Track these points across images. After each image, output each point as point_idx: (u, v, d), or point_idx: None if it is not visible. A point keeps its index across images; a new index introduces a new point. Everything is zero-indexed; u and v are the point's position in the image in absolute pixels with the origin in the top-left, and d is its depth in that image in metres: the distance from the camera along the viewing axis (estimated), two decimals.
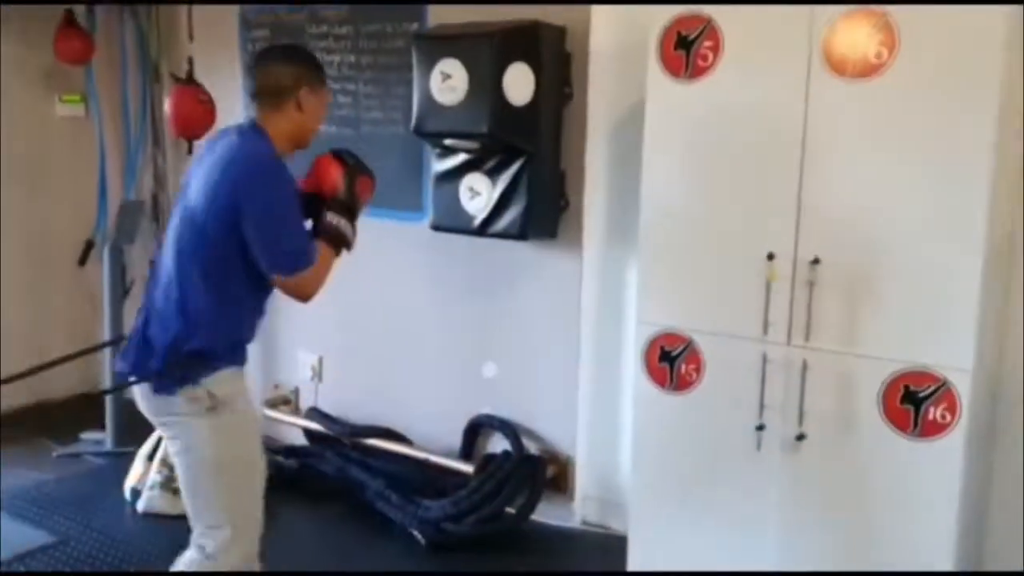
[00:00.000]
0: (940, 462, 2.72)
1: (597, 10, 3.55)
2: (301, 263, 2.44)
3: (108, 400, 4.64)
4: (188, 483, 2.62)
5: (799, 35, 2.77)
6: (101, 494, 4.14)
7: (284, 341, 4.66)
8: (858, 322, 2.81)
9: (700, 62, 2.96)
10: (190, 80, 4.25)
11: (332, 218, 2.53)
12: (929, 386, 2.72)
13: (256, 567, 2.67)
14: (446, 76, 3.35)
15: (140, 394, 2.57)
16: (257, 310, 2.61)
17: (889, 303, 2.75)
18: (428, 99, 3.37)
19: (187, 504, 2.67)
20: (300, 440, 4.54)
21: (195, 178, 2.52)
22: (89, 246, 4.98)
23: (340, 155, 2.64)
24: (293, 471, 4.25)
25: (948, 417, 2.71)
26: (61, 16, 4.68)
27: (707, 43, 2.94)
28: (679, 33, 2.98)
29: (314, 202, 2.58)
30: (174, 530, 3.79)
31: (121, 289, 4.72)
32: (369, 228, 4.28)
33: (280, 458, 4.29)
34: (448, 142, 3.47)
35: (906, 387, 2.75)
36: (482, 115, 3.29)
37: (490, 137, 3.36)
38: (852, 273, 2.80)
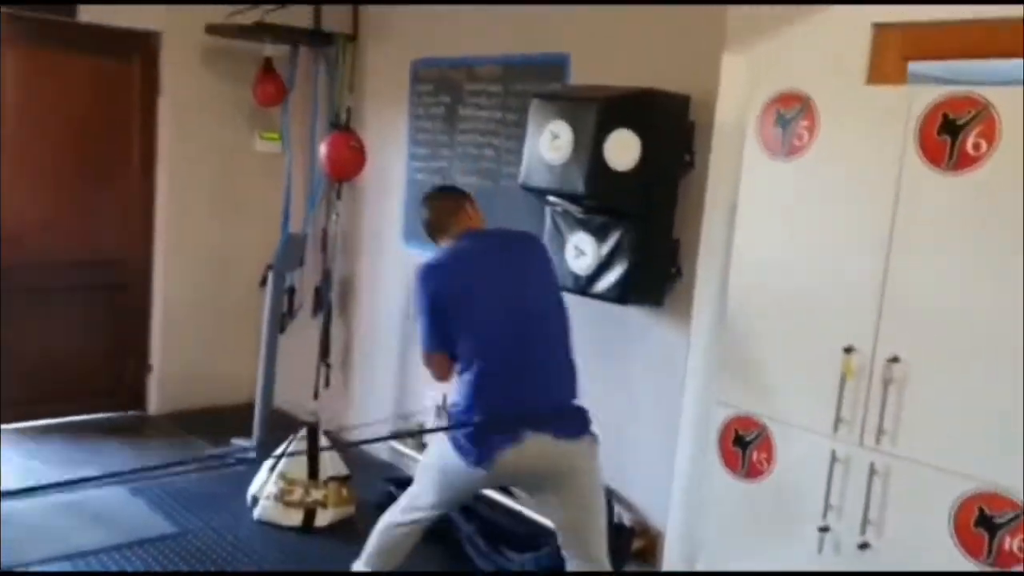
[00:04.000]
0: None
1: (726, 81, 3.51)
2: None
3: (257, 412, 5.01)
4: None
5: (895, 120, 2.64)
6: (230, 497, 4.46)
7: (413, 377, 4.86)
8: (935, 430, 2.60)
9: (796, 141, 2.88)
10: (345, 127, 4.59)
11: None
12: (1007, 512, 2.47)
13: None
14: (555, 136, 3.43)
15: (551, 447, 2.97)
16: None
17: (971, 413, 2.53)
18: (537, 156, 3.47)
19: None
20: None
21: (501, 272, 3.04)
22: (269, 270, 5.38)
23: None
24: None
25: None
26: (261, 62, 5.18)
27: (804, 122, 2.86)
28: (778, 110, 2.92)
29: None
30: (280, 539, 4.09)
31: (282, 310, 5.13)
32: None
33: (392, 488, 4.45)
34: (551, 199, 3.54)
35: (981, 510, 2.51)
36: (580, 176, 3.33)
37: (586, 198, 3.40)
38: (933, 376, 2.60)
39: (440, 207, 3.20)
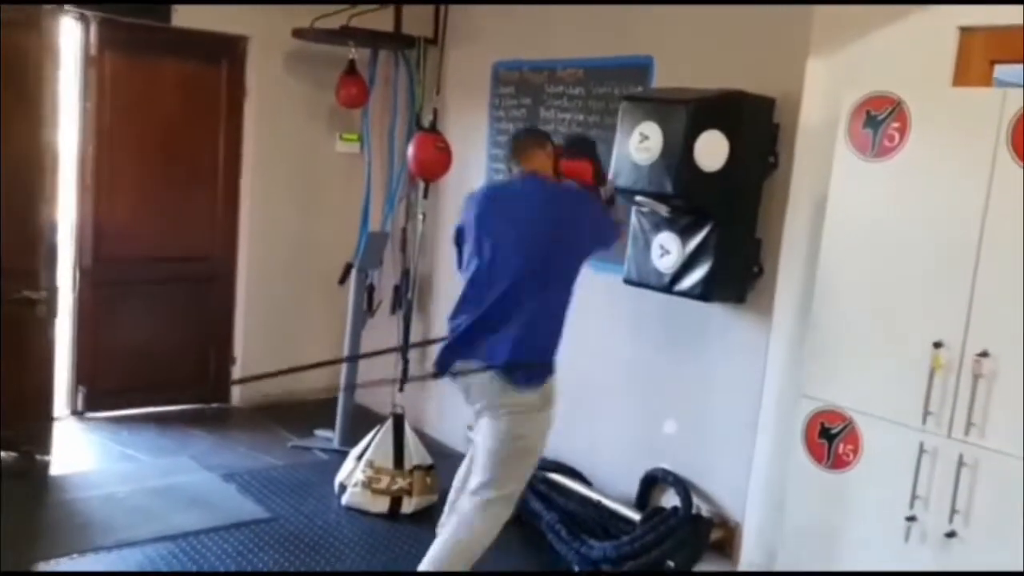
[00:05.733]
0: None
1: (810, 84, 3.60)
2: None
3: (340, 404, 5.19)
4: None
5: (988, 121, 2.72)
6: (317, 484, 4.64)
7: None
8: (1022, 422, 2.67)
9: (886, 142, 2.96)
10: (432, 129, 4.75)
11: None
12: None
13: None
14: (644, 137, 3.54)
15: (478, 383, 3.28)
16: None
17: None
18: (626, 156, 3.59)
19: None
20: None
21: (517, 217, 3.31)
22: (349, 268, 5.52)
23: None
24: None
25: None
26: (343, 64, 5.36)
27: (895, 124, 2.94)
28: (868, 112, 3.01)
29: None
30: (369, 524, 4.25)
31: (364, 307, 5.30)
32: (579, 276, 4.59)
33: None
34: (639, 199, 3.65)
35: None
36: (669, 177, 3.45)
37: (676, 198, 3.51)
38: (1022, 371, 2.67)
39: (518, 143, 3.53)
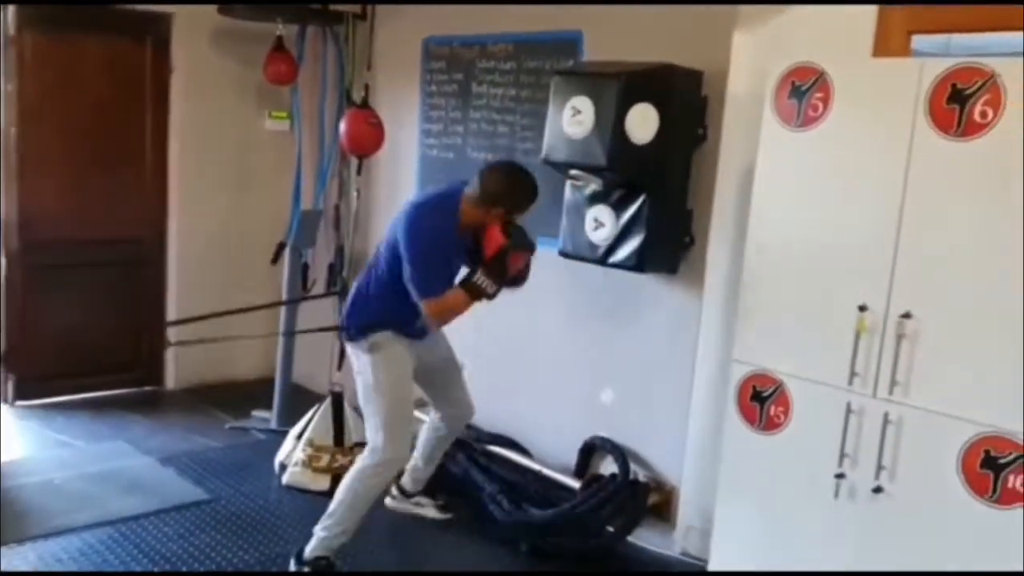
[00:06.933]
0: (1018, 532, 2.66)
1: (736, 57, 3.68)
2: (423, 294, 3.24)
3: (278, 384, 5.17)
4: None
5: (906, 90, 2.81)
6: (256, 464, 4.62)
7: None
8: (944, 380, 2.80)
9: (811, 112, 3.04)
10: (364, 104, 4.75)
11: (479, 277, 3.24)
12: (1011, 453, 2.67)
13: None
14: (576, 111, 3.59)
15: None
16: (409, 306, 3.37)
17: (979, 364, 2.72)
18: (559, 131, 3.63)
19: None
20: None
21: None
22: (281, 247, 5.46)
23: (508, 230, 3.27)
24: None
25: None
26: (271, 41, 5.28)
27: (818, 94, 3.02)
28: (793, 83, 3.08)
29: (478, 256, 3.28)
30: (310, 503, 4.24)
31: (300, 285, 5.26)
32: None
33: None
34: (573, 172, 3.70)
35: (987, 452, 2.71)
36: (602, 149, 3.50)
37: (608, 171, 3.57)
38: (942, 330, 2.79)
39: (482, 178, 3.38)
